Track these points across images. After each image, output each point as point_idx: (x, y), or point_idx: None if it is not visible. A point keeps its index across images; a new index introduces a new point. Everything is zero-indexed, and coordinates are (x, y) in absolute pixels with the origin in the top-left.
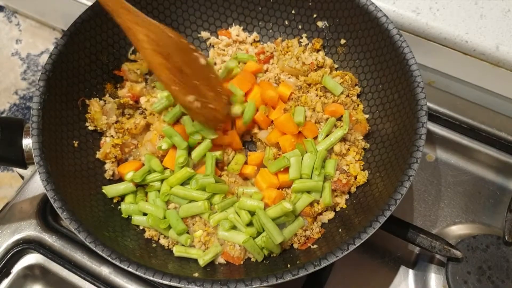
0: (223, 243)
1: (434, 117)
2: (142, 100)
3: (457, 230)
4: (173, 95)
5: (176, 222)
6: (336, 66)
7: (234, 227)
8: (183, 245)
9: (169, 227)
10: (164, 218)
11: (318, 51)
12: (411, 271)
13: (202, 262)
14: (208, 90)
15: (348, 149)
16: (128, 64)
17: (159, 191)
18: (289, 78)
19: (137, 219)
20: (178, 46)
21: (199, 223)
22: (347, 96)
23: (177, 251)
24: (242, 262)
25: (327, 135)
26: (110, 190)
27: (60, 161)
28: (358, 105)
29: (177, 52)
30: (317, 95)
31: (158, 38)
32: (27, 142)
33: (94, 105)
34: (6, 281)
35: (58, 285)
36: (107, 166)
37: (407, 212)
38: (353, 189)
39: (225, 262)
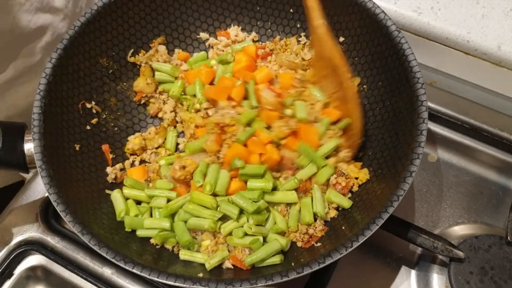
0: (232, 249)
1: (435, 117)
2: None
3: (459, 230)
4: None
5: (182, 234)
6: None
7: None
8: (189, 249)
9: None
10: (172, 230)
11: None
12: (413, 272)
13: (208, 265)
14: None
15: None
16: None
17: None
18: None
19: (141, 233)
20: (333, 82)
21: (207, 233)
22: None
23: (183, 254)
24: (249, 267)
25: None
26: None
27: (62, 164)
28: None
29: (328, 82)
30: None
31: (324, 56)
32: (29, 147)
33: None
34: (9, 283)
35: (60, 286)
36: (108, 170)
37: (409, 212)
38: (355, 188)
39: (232, 267)
